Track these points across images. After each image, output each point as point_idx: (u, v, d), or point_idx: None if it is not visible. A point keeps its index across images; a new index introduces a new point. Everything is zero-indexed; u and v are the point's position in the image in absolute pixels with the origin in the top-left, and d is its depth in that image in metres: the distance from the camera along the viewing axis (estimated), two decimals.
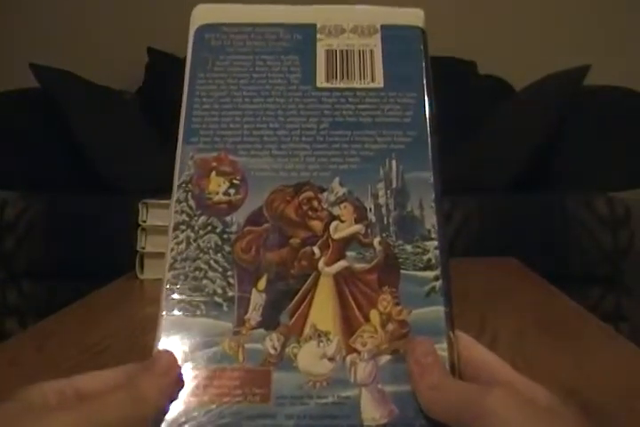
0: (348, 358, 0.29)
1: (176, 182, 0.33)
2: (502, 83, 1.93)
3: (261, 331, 0.30)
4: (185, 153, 0.33)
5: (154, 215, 0.97)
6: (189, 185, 0.33)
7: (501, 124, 1.64)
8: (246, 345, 0.30)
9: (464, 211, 1.37)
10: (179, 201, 0.33)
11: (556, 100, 1.51)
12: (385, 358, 0.29)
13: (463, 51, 1.93)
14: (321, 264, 0.31)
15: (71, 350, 0.62)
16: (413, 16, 0.37)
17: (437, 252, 0.31)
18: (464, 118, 1.74)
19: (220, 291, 0.31)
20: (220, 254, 0.32)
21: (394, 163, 0.33)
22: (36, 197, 1.45)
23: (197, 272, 0.31)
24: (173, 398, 0.28)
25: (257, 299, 0.31)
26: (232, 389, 0.29)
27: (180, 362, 0.29)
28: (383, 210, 0.32)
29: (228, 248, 0.32)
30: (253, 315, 0.30)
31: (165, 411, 0.28)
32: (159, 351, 0.29)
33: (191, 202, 0.33)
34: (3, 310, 1.44)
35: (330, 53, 0.36)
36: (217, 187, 0.33)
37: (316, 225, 0.32)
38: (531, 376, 0.28)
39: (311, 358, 0.30)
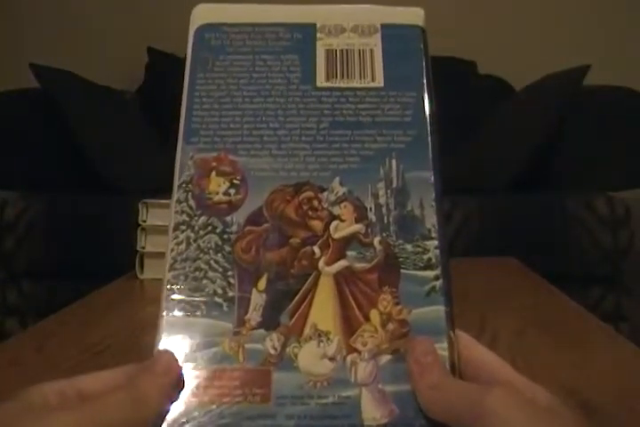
0: (349, 358, 0.29)
1: (176, 182, 0.33)
2: (502, 83, 1.93)
3: (262, 331, 0.30)
4: (185, 153, 0.33)
5: (154, 215, 0.98)
6: (189, 185, 0.33)
7: (501, 124, 1.64)
8: (246, 345, 0.30)
9: (464, 211, 1.37)
10: (179, 201, 0.32)
11: (556, 100, 1.51)
12: (385, 358, 0.29)
13: (463, 51, 1.93)
14: (321, 264, 0.31)
15: (71, 350, 0.62)
16: (413, 15, 0.37)
17: (438, 251, 0.31)
18: (464, 118, 1.74)
19: (220, 291, 0.31)
20: (220, 254, 0.31)
21: (394, 162, 0.33)
22: (35, 197, 1.45)
23: (197, 272, 0.31)
24: (174, 398, 0.28)
25: (257, 299, 0.31)
26: (232, 389, 0.29)
27: (180, 362, 0.29)
28: (383, 209, 0.32)
29: (228, 248, 0.32)
30: (254, 315, 0.30)
31: (166, 411, 0.28)
32: (159, 351, 0.29)
33: (191, 202, 0.32)
34: (3, 310, 1.44)
35: (330, 53, 0.36)
36: (217, 187, 0.33)
37: (317, 225, 0.32)
38: (531, 376, 0.28)
39: (311, 357, 0.29)
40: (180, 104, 0.35)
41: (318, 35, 0.36)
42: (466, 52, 1.94)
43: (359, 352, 0.30)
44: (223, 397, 0.28)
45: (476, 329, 0.65)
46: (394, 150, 0.33)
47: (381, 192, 0.33)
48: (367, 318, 0.30)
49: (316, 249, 0.31)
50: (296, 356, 0.30)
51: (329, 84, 0.35)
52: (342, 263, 0.31)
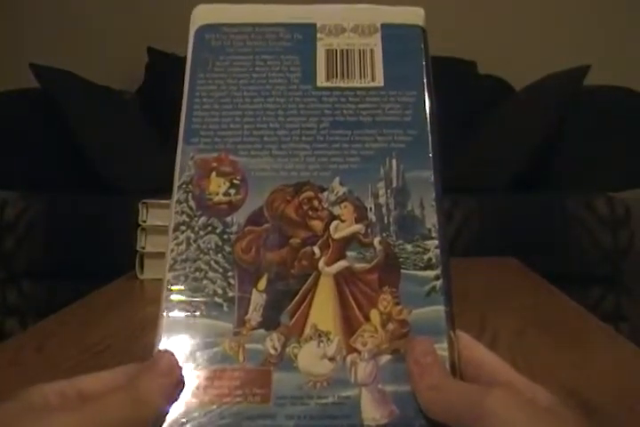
0: (349, 358, 0.29)
1: (176, 183, 0.33)
2: (502, 83, 1.93)
3: (262, 331, 0.30)
4: (185, 153, 0.33)
5: (154, 215, 0.97)
6: (190, 186, 0.33)
7: (501, 124, 1.64)
8: (247, 345, 0.30)
9: (464, 210, 1.37)
10: (179, 202, 0.32)
11: (556, 100, 1.51)
12: (385, 358, 0.29)
13: (463, 51, 1.92)
14: (321, 264, 0.31)
15: (71, 350, 0.62)
16: (413, 15, 0.37)
17: (438, 251, 0.31)
18: (464, 118, 1.74)
19: (220, 291, 0.31)
20: (220, 255, 0.31)
21: (394, 162, 0.33)
22: (35, 197, 1.45)
23: (198, 273, 0.31)
24: (174, 399, 0.28)
25: (257, 299, 0.31)
26: (232, 389, 0.29)
27: (180, 362, 0.29)
28: (383, 209, 0.32)
29: (228, 249, 0.32)
30: (254, 315, 0.30)
31: (166, 412, 0.28)
32: (160, 352, 0.29)
33: (191, 202, 0.32)
34: (3, 310, 1.44)
35: (330, 53, 0.36)
36: (217, 187, 0.33)
37: (317, 225, 0.32)
38: (531, 376, 0.28)
39: (311, 358, 0.29)
40: (181, 105, 0.34)
41: (318, 35, 0.36)
42: (466, 52, 1.94)
43: (359, 352, 0.29)
44: (223, 397, 0.28)
45: (476, 329, 0.65)
46: (394, 150, 0.33)
47: (381, 192, 0.33)
48: (367, 318, 0.30)
49: (316, 249, 0.31)
50: (296, 356, 0.29)
51: (329, 84, 0.35)
52: (342, 264, 0.31)
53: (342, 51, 0.36)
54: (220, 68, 0.35)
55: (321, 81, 0.35)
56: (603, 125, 1.47)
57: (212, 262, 0.31)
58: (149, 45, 1.98)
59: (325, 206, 0.32)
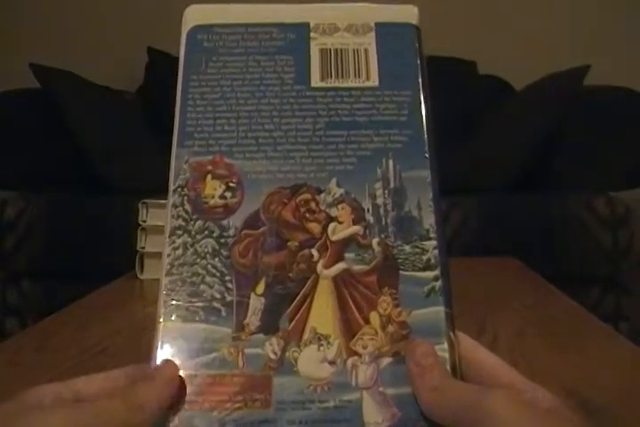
0: (349, 362, 0.29)
1: (171, 187, 0.32)
2: (502, 83, 1.93)
3: (261, 336, 0.30)
4: (180, 157, 0.33)
5: (154, 215, 0.97)
6: (185, 189, 0.32)
7: (501, 124, 1.64)
8: (246, 350, 0.29)
9: (463, 211, 1.37)
10: (174, 206, 0.32)
11: (556, 100, 1.50)
12: (386, 361, 0.29)
13: (463, 51, 1.92)
14: (319, 267, 0.31)
15: (71, 350, 0.62)
16: (408, 13, 0.36)
17: (436, 252, 0.31)
18: (464, 118, 1.74)
19: (218, 296, 0.30)
20: (217, 259, 0.31)
21: (391, 162, 0.33)
22: (35, 197, 1.45)
23: (195, 277, 0.31)
24: (173, 409, 0.27)
25: (256, 303, 0.30)
26: (232, 395, 0.28)
27: (179, 369, 0.29)
28: (381, 210, 0.32)
29: (225, 252, 0.31)
30: (252, 319, 0.30)
31: (163, 421, 0.27)
32: (162, 361, 0.29)
33: (187, 206, 0.32)
34: (3, 310, 1.44)
35: (324, 52, 0.35)
36: (213, 190, 0.32)
37: (314, 227, 0.32)
38: (531, 376, 0.28)
39: (312, 362, 0.29)
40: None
41: (312, 34, 0.36)
42: (466, 52, 1.93)
43: (359, 355, 0.29)
44: (223, 403, 0.28)
45: (476, 329, 0.65)
46: (391, 150, 0.33)
47: (379, 193, 0.32)
48: (367, 321, 0.30)
49: (315, 252, 0.31)
50: (296, 360, 0.29)
51: (324, 85, 0.35)
52: (341, 266, 0.31)
53: (336, 50, 0.35)
54: (214, 70, 0.35)
55: (315, 81, 0.35)
56: (603, 125, 1.47)
57: (210, 267, 0.31)
58: (149, 45, 1.98)
59: (323, 208, 0.32)
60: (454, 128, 1.61)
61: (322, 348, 0.29)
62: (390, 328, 0.30)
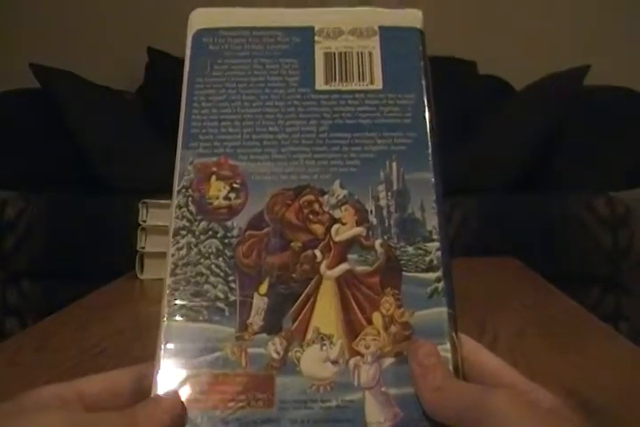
0: (352, 362, 0.29)
1: (176, 188, 0.33)
2: (502, 83, 1.93)
3: (264, 335, 0.30)
4: (184, 158, 0.33)
5: (154, 215, 0.98)
6: (189, 190, 0.32)
7: (501, 124, 1.64)
8: (249, 350, 0.29)
9: (463, 211, 1.37)
10: (179, 206, 0.32)
11: (556, 100, 1.51)
12: (388, 361, 0.29)
13: (463, 51, 1.92)
14: (323, 268, 0.31)
15: (71, 350, 0.62)
16: (412, 17, 0.36)
17: (439, 253, 0.31)
18: (464, 118, 1.75)
19: (221, 296, 0.31)
20: (221, 259, 0.31)
21: (394, 164, 0.33)
22: (35, 197, 1.45)
23: (199, 277, 0.31)
24: None
25: (259, 303, 0.30)
26: (235, 394, 0.28)
27: (182, 367, 0.29)
28: (384, 212, 0.32)
29: (229, 253, 0.31)
30: (256, 319, 0.30)
31: None
32: (168, 391, 0.28)
33: (191, 207, 0.32)
34: (3, 310, 1.44)
35: (328, 56, 0.35)
36: (217, 191, 0.32)
37: (318, 228, 0.32)
38: (531, 376, 0.28)
39: (314, 361, 0.29)
40: (179, 108, 0.34)
41: (316, 38, 0.36)
42: (466, 52, 1.94)
43: (362, 355, 0.29)
44: (226, 402, 0.28)
45: (476, 329, 0.65)
46: (394, 153, 0.33)
47: (382, 195, 0.32)
48: (370, 321, 0.30)
49: (318, 253, 0.31)
50: (299, 360, 0.29)
51: (328, 88, 0.35)
52: (344, 267, 0.31)
53: (340, 54, 0.35)
54: (219, 72, 0.35)
55: (320, 84, 0.35)
56: (603, 125, 1.47)
57: (213, 267, 0.31)
58: (149, 45, 1.98)
59: (326, 210, 0.32)
60: (454, 128, 1.61)
61: (324, 348, 0.30)
62: (393, 329, 0.30)
